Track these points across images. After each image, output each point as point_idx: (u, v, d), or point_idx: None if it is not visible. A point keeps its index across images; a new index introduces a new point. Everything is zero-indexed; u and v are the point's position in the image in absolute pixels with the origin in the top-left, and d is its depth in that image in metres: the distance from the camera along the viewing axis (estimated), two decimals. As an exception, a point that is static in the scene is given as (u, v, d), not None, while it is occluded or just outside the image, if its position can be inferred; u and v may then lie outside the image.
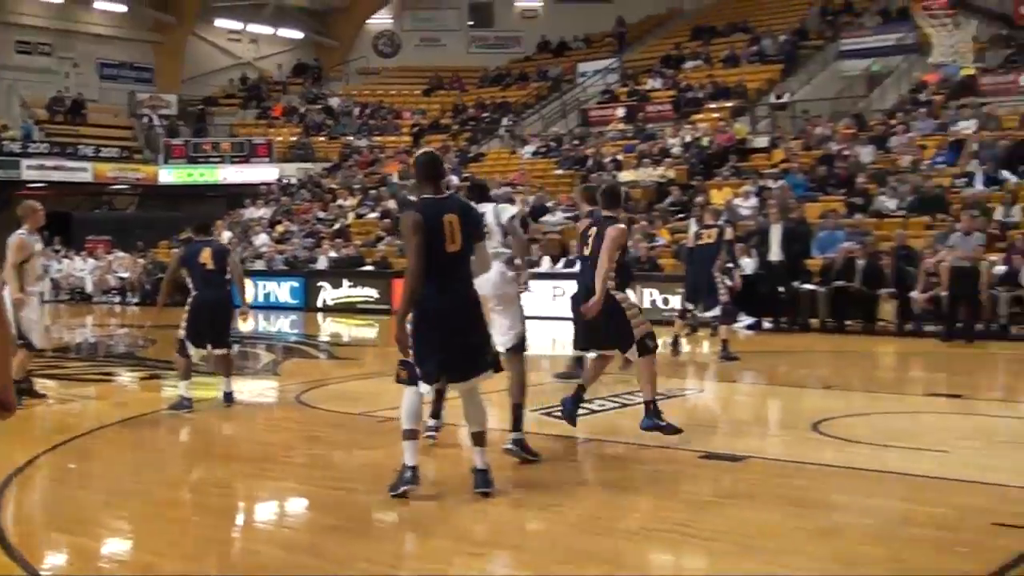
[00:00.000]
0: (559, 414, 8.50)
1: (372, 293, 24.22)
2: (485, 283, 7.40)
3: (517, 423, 7.76)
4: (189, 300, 10.42)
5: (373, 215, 29.60)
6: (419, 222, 6.52)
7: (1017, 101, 25.40)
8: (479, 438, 6.78)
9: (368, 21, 44.91)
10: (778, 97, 31.14)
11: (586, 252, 8.25)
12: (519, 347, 7.85)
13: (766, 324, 18.19)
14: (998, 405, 11.01)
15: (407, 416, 6.66)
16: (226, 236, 27.59)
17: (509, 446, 7.63)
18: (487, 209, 7.94)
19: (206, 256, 10.34)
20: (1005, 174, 20.96)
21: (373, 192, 31.38)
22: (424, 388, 6.70)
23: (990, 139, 22.43)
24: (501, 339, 7.59)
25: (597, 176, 25.94)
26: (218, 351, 10.47)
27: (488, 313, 7.38)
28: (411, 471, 6.64)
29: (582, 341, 8.60)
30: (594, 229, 8.26)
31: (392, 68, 44.44)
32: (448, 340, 6.57)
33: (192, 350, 10.36)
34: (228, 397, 10.47)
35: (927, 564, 5.29)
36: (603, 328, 8.14)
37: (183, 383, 10.19)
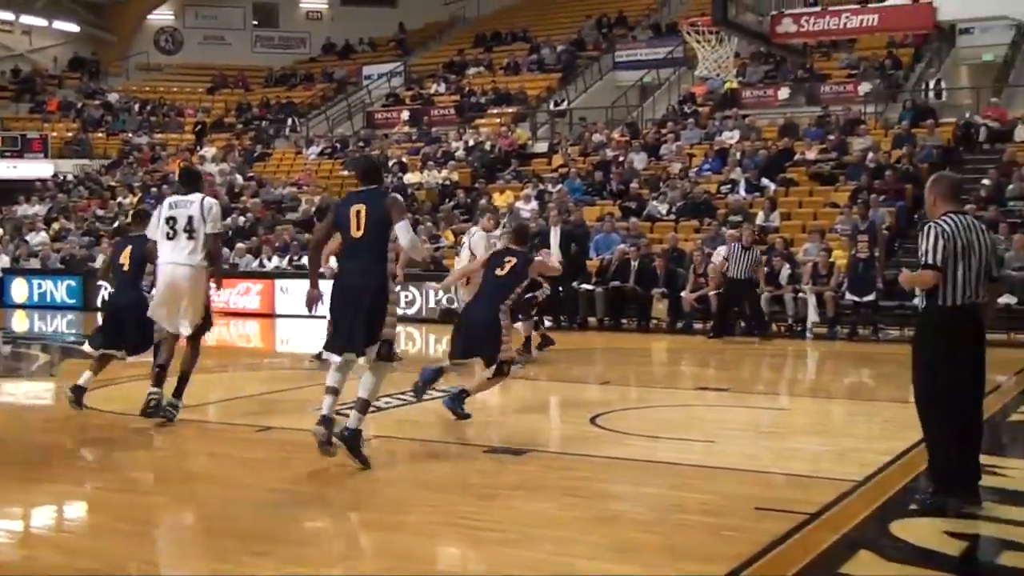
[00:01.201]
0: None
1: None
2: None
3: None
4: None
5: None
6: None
7: (776, 113, 26.74)
8: (361, 405, 7.18)
9: (149, 16, 43.33)
10: (557, 104, 31.78)
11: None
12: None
13: (546, 322, 18.51)
14: (761, 398, 11.48)
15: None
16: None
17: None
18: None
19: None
20: (765, 181, 22.06)
21: (154, 190, 30.29)
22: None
23: (752, 149, 23.55)
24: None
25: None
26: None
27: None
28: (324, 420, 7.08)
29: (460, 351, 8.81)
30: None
31: (175, 65, 43.00)
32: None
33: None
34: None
35: (697, 548, 5.49)
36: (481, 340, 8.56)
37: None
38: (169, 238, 8.78)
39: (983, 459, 6.24)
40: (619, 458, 7.64)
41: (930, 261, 5.91)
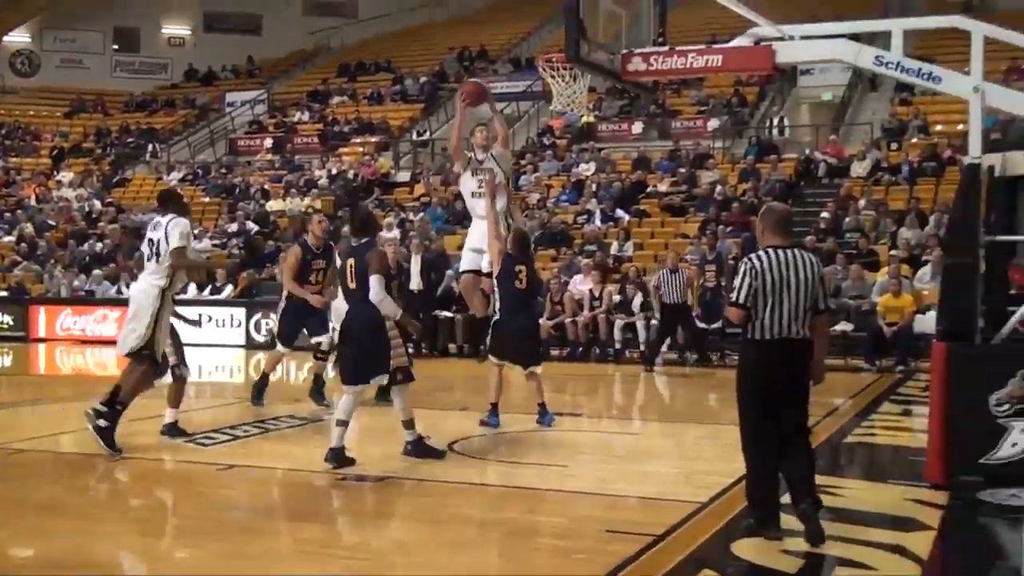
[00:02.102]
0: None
1: (7, 320, 22.50)
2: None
3: None
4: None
5: (8, 239, 27.55)
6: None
7: (630, 147, 27.29)
8: (406, 424, 8.34)
9: (5, 38, 41.83)
10: (419, 134, 31.82)
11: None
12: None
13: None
14: (614, 422, 11.64)
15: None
16: None
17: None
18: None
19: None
20: (620, 212, 22.48)
21: (8, 216, 29.22)
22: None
23: (607, 181, 23.99)
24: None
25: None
26: None
27: None
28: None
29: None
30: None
31: (31, 88, 41.57)
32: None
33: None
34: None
35: (549, 571, 5.55)
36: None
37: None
38: (147, 260, 8.93)
39: (820, 480, 6.44)
40: (476, 484, 7.68)
41: (734, 299, 6.02)
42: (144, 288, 8.80)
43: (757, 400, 6.05)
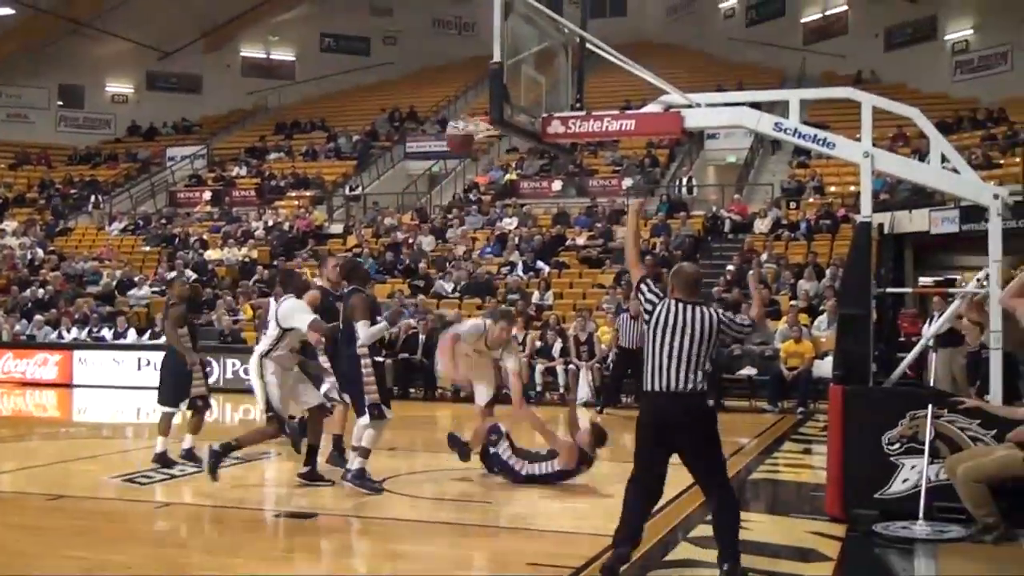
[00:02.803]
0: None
1: None
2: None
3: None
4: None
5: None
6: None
7: (550, 203, 27.51)
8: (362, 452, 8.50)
9: (-48, 93, 40.95)
10: (352, 189, 31.76)
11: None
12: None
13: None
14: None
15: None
16: None
17: None
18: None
19: None
20: (541, 264, 22.62)
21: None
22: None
23: (528, 234, 24.13)
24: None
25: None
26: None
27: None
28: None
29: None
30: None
31: (-24, 141, 40.64)
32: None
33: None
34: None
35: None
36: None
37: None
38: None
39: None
40: (405, 520, 7.61)
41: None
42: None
43: (638, 445, 5.84)
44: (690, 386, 5.68)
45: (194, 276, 24.24)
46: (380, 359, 17.76)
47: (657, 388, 5.70)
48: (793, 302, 18.27)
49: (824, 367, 14.96)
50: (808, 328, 16.99)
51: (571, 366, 17.38)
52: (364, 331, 8.33)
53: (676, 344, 5.68)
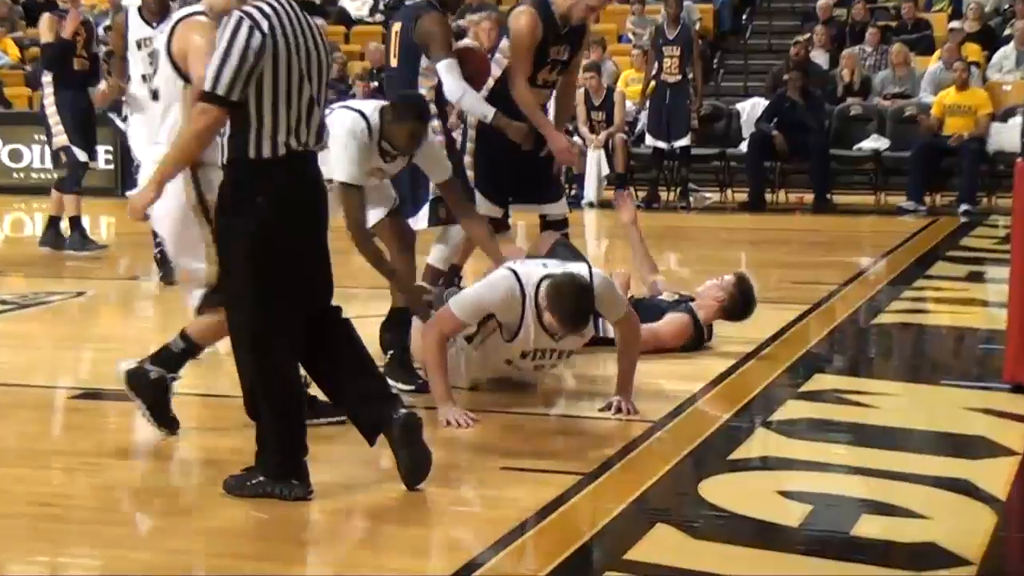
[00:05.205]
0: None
1: None
2: None
3: None
4: None
5: None
6: None
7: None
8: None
9: None
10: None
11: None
12: None
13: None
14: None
15: None
16: None
17: None
18: None
19: None
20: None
21: None
22: None
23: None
24: None
25: None
26: None
27: None
28: None
29: None
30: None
31: None
32: None
33: None
34: None
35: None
36: None
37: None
38: None
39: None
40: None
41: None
42: None
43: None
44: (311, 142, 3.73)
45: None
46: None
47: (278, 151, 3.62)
48: (954, 24, 13.16)
49: (1008, 134, 11.07)
50: (980, 68, 12.39)
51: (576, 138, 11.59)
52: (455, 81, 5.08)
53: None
